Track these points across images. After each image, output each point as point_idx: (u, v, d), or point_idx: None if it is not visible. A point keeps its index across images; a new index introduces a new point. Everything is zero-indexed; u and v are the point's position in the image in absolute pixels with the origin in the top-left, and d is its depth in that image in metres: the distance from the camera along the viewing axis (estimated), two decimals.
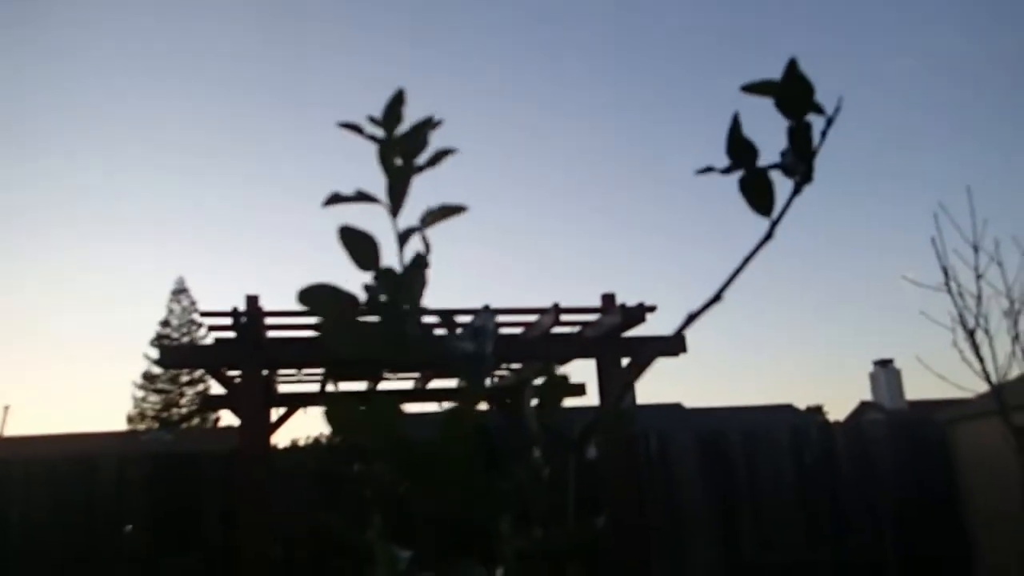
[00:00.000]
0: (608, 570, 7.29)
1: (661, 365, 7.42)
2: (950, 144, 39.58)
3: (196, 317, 38.22)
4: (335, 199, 0.98)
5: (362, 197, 0.96)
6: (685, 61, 39.15)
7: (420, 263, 0.95)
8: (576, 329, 7.39)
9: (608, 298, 6.94)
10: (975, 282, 6.12)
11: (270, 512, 6.88)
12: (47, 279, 50.71)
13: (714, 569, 10.21)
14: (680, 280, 46.03)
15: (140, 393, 37.68)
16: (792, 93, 0.94)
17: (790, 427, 11.41)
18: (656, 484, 10.41)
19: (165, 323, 38.43)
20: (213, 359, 6.79)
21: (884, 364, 22.74)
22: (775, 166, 1.00)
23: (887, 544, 9.16)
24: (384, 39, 39.91)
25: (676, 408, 21.28)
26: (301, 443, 34.92)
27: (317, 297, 0.96)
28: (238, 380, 6.86)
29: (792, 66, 0.95)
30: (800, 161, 0.98)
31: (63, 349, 55.75)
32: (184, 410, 36.72)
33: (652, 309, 6.75)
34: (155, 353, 37.55)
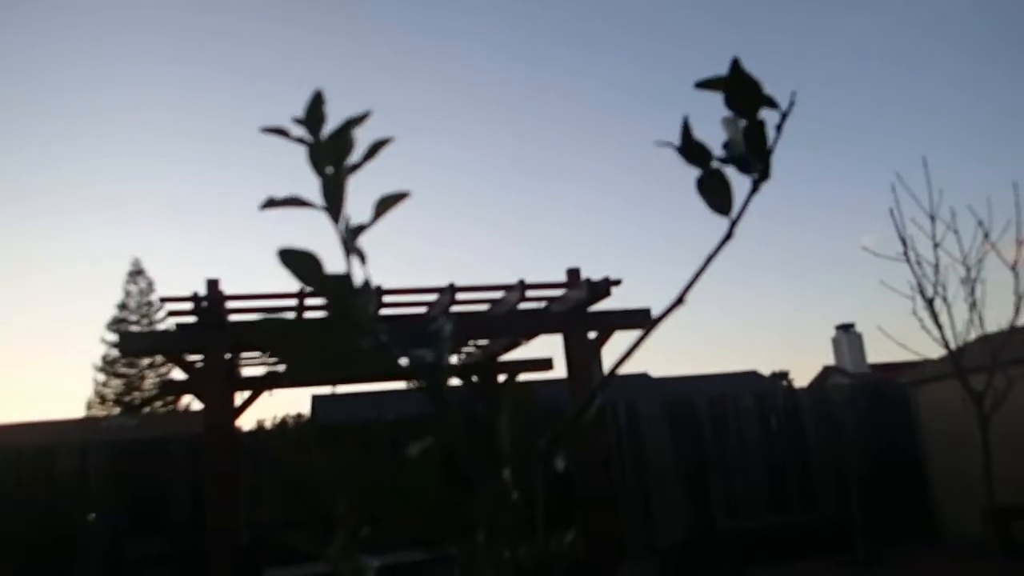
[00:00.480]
0: (578, 541, 7.35)
1: (626, 336, 7.45)
2: (908, 111, 40.00)
3: (153, 299, 37.66)
4: (271, 203, 0.95)
5: (296, 202, 0.93)
6: (650, 29, 38.97)
7: (367, 284, 0.92)
8: (542, 305, 7.38)
9: (573, 273, 6.93)
10: (932, 251, 6.21)
11: (237, 496, 6.82)
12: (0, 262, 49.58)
13: (684, 535, 10.36)
14: (646, 251, 46.29)
15: (101, 377, 37.14)
16: (740, 91, 0.92)
17: (756, 393, 11.56)
18: (625, 453, 10.52)
19: (122, 306, 37.77)
20: (175, 344, 6.67)
21: (846, 329, 23.10)
22: (729, 161, 0.98)
23: (852, 505, 9.36)
24: (340, 9, 39.22)
25: (643, 378, 21.47)
26: (268, 425, 34.79)
27: (297, 260, 0.95)
28: (200, 365, 6.76)
29: (735, 65, 0.93)
30: (756, 159, 0.96)
31: (19, 335, 54.68)
32: (146, 394, 36.28)
33: (617, 283, 6.76)
34: (113, 337, 36.98)
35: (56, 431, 20.72)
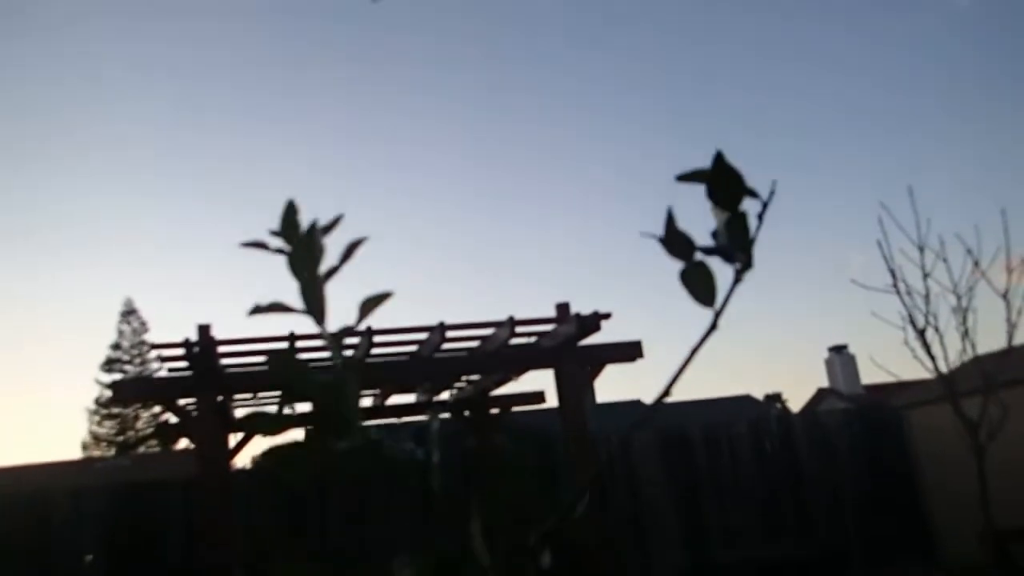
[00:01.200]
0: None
1: (617, 369, 7.47)
2: (894, 134, 40.39)
3: (147, 338, 37.52)
4: (257, 310, 0.97)
5: (280, 308, 0.95)
6: (647, 58, 39.30)
7: (352, 364, 0.94)
8: (532, 340, 7.40)
9: (563, 307, 6.96)
10: (922, 281, 6.24)
11: (230, 536, 6.76)
12: None
13: (680, 569, 10.30)
14: (638, 281, 46.38)
15: (95, 418, 36.87)
16: (722, 185, 0.94)
17: (750, 420, 11.57)
18: (618, 484, 10.48)
19: (116, 346, 37.61)
20: (167, 391, 6.66)
21: (839, 350, 23.15)
22: (712, 252, 1.00)
23: (849, 531, 9.33)
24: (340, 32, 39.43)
25: (636, 405, 21.44)
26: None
27: (286, 365, 0.97)
28: (193, 410, 6.74)
29: (719, 159, 0.95)
30: (739, 250, 0.98)
31: (11, 376, 54.31)
32: (140, 434, 36.01)
33: (607, 316, 6.78)
34: (107, 378, 36.79)
35: (52, 473, 20.54)
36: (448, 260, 48.72)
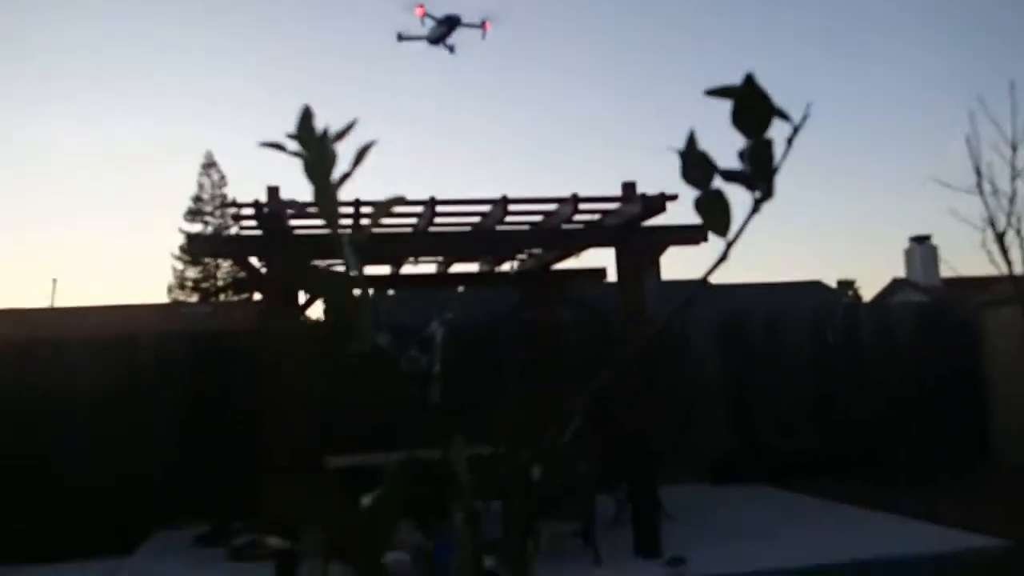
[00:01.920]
0: (623, 458, 7.54)
1: (680, 252, 7.44)
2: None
3: (226, 191, 38.49)
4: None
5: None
6: None
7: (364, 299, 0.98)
8: (596, 218, 7.38)
9: (629, 187, 6.87)
10: (1010, 182, 5.94)
11: (299, 386, 7.06)
12: (82, 150, 50.99)
13: (726, 453, 10.48)
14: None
15: (179, 265, 38.44)
16: (749, 108, 0.91)
17: (813, 309, 11.44)
18: (671, 365, 10.58)
19: (197, 198, 38.73)
20: (237, 249, 6.91)
21: (920, 240, 22.36)
22: (732, 178, 0.98)
23: (903, 427, 9.33)
24: None
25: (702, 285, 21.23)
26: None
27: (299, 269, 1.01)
28: (262, 267, 6.99)
29: (748, 81, 0.92)
30: (760, 179, 0.96)
31: (106, 222, 56.73)
32: (221, 283, 37.43)
33: (673, 198, 6.68)
34: (189, 226, 38.15)
35: (139, 316, 21.69)
36: (515, 136, 48.10)
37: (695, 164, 0.98)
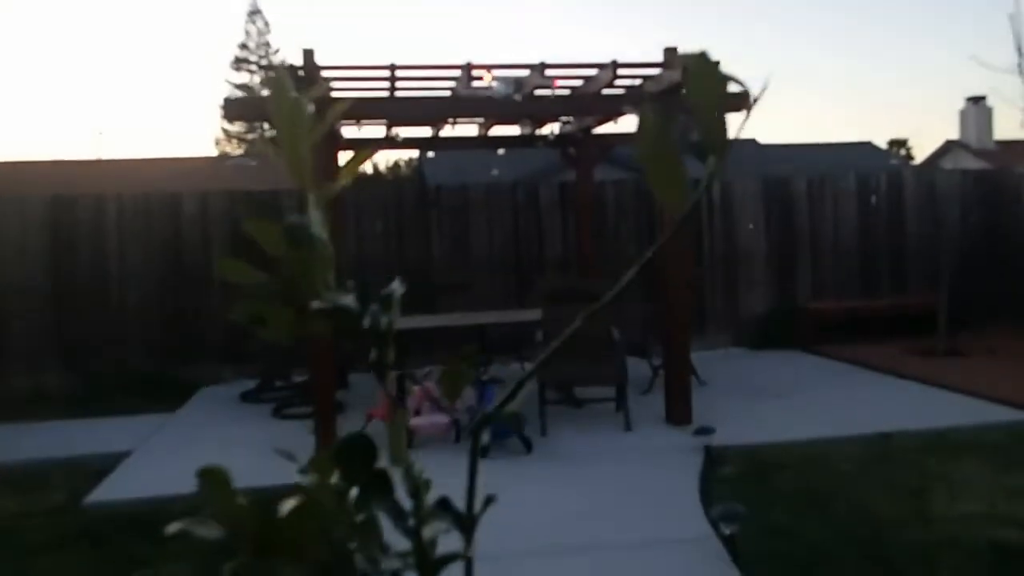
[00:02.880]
0: (658, 318, 7.64)
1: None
2: None
3: (271, 40, 37.98)
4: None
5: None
6: None
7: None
8: (637, 83, 7.16)
9: (670, 51, 6.62)
10: None
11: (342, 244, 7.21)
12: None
13: (765, 313, 10.55)
14: (744, 34, 42.79)
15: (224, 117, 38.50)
16: (702, 85, 0.87)
17: (858, 173, 11.16)
18: (715, 229, 10.54)
19: (243, 46, 38.32)
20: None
21: (975, 101, 21.42)
22: (688, 149, 0.93)
23: (941, 292, 9.25)
24: None
25: (750, 144, 20.76)
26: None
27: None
28: None
29: (702, 57, 0.88)
30: (713, 152, 0.91)
31: (151, 72, 56.52)
32: (264, 136, 37.50)
33: (716, 63, 6.44)
34: (235, 77, 37.91)
35: (185, 170, 21.96)
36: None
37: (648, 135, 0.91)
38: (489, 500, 0.79)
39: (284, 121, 0.97)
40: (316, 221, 0.88)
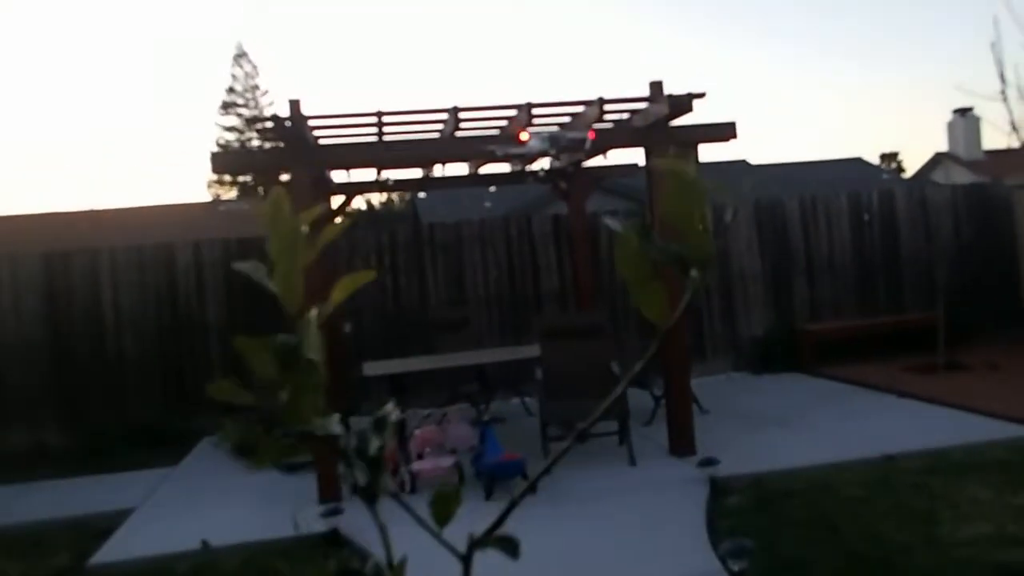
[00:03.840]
0: (658, 354, 7.63)
1: (710, 149, 7.27)
2: None
3: (259, 83, 38.27)
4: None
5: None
6: None
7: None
8: (624, 117, 7.22)
9: (656, 86, 6.68)
10: None
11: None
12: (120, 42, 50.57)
13: (762, 337, 10.55)
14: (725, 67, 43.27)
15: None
16: (685, 197, 0.86)
17: (849, 192, 11.22)
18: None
19: (230, 89, 38.57)
20: (262, 164, 6.91)
21: (963, 113, 21.60)
22: (671, 262, 0.91)
23: (938, 309, 9.27)
24: None
25: (740, 165, 20.89)
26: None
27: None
28: (289, 180, 7.01)
29: (689, 175, 0.87)
30: (697, 264, 0.90)
31: (141, 117, 56.86)
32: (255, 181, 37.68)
33: (701, 96, 6.49)
34: (224, 120, 38.12)
35: (178, 216, 22.03)
36: (537, 43, 46.41)
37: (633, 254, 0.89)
38: None
39: (281, 244, 0.95)
40: (310, 344, 0.87)
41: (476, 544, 0.76)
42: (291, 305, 0.92)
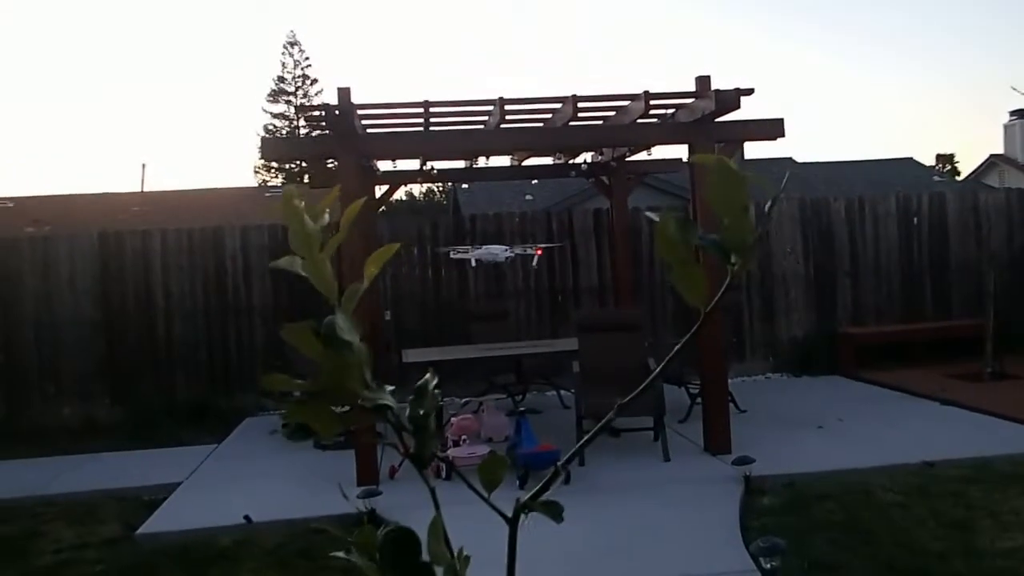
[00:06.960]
0: (692, 344, 7.62)
1: (757, 147, 7.23)
2: None
3: (309, 72, 38.71)
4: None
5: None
6: None
7: None
8: (670, 112, 7.21)
9: (703, 81, 6.66)
10: None
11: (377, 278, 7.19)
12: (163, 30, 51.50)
13: (803, 339, 10.44)
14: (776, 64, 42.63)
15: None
16: (725, 187, 0.90)
17: (899, 196, 11.04)
18: (758, 256, 10.46)
19: (280, 78, 39.09)
20: (310, 151, 7.06)
21: (1021, 114, 21.10)
22: (711, 247, 0.94)
23: (987, 317, 9.09)
24: None
25: (787, 163, 20.62)
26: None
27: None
28: (335, 168, 7.13)
29: (722, 164, 0.90)
30: (737, 251, 0.93)
31: (193, 103, 57.87)
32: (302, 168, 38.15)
33: (748, 92, 6.46)
34: (273, 107, 38.62)
35: (226, 201, 22.40)
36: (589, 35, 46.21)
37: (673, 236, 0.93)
38: None
39: (298, 239, 0.99)
40: (344, 327, 0.89)
41: (522, 507, 0.81)
42: (326, 291, 0.95)
